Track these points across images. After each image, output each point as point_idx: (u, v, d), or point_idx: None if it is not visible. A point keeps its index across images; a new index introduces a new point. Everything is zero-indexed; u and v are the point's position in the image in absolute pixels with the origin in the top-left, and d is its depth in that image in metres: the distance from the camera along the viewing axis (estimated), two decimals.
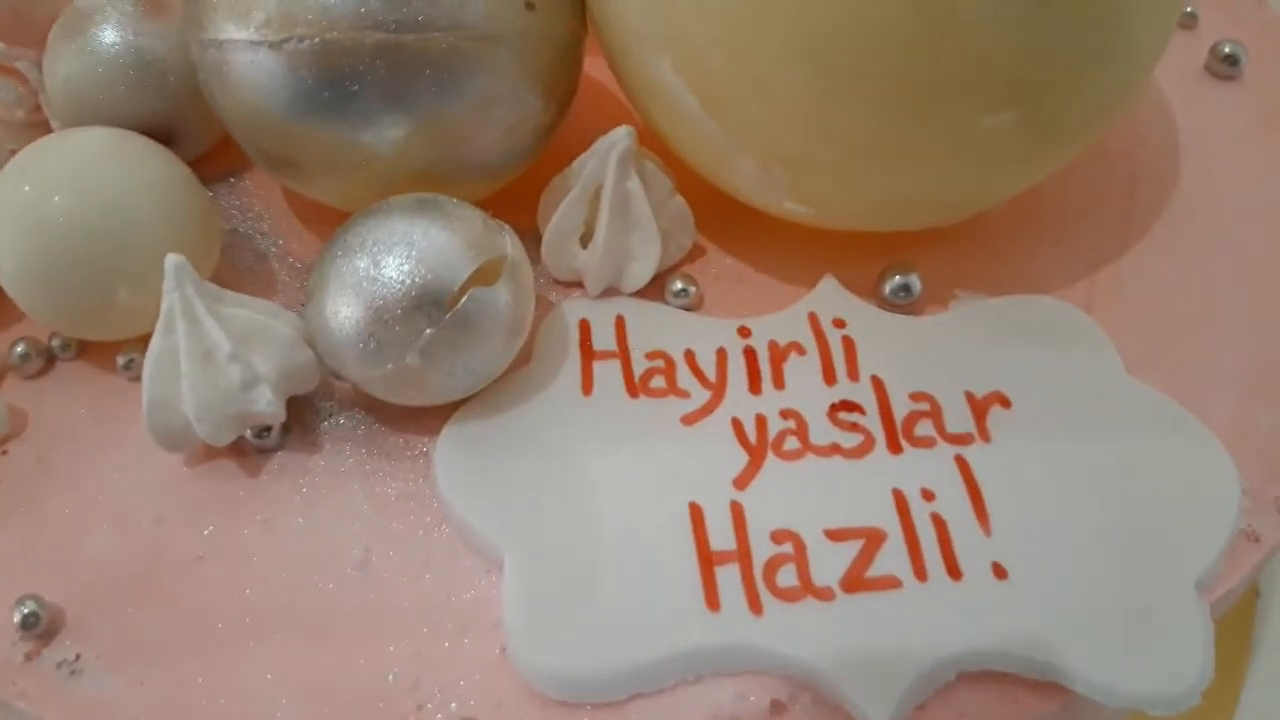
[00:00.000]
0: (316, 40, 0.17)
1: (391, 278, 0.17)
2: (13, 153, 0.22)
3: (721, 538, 0.17)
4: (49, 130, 0.23)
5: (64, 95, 0.22)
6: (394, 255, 0.17)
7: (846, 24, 0.16)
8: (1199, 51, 0.26)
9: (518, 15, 0.18)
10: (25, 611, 0.16)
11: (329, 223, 0.22)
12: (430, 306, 0.17)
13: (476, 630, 0.16)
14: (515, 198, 0.21)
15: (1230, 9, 0.28)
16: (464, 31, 0.18)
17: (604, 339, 0.20)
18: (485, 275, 0.17)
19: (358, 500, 0.18)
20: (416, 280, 0.17)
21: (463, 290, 0.17)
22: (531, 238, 0.21)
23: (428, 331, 0.17)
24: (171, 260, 0.17)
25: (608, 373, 0.19)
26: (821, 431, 0.19)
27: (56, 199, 0.18)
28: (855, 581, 0.17)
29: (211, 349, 0.17)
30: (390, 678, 0.16)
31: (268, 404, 0.17)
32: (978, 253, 0.21)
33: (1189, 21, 0.28)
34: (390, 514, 0.18)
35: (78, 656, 0.16)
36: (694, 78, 0.18)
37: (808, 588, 0.17)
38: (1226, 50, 0.26)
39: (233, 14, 0.18)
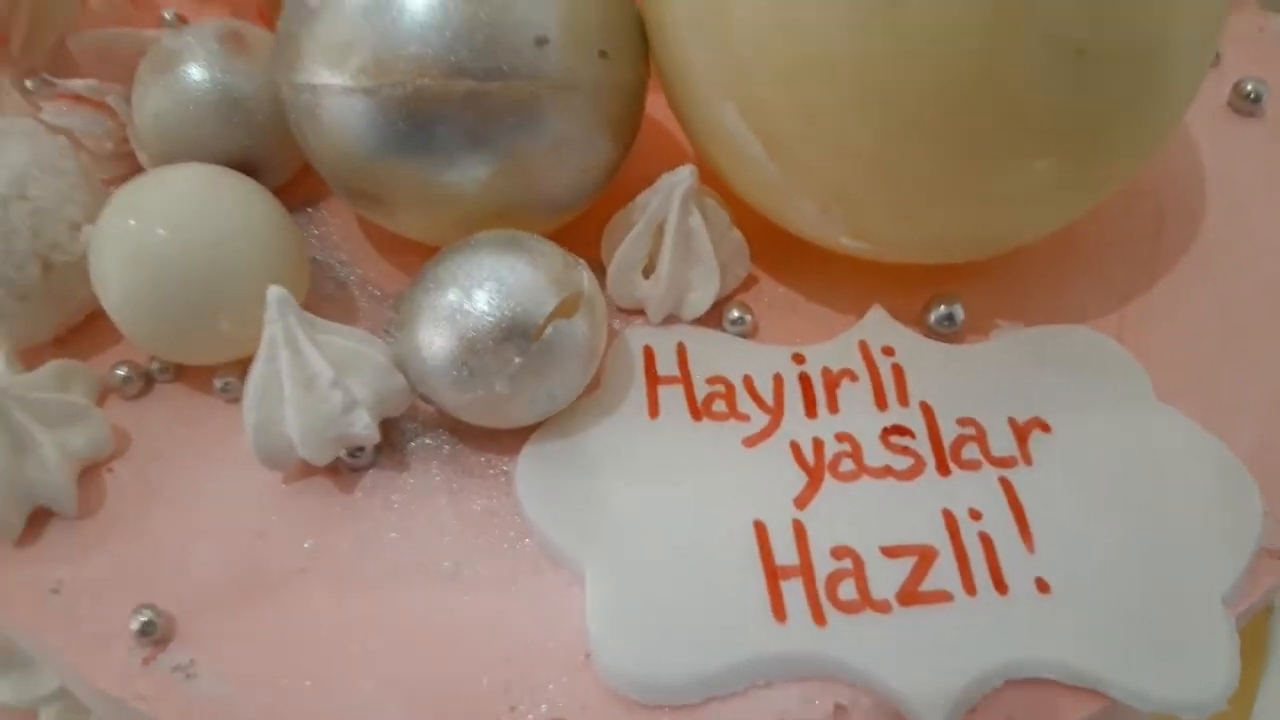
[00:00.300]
0: (409, 87, 0.19)
1: (483, 311, 0.18)
2: (104, 182, 0.23)
3: (785, 553, 0.18)
4: (135, 161, 0.25)
5: (153, 131, 0.23)
6: (484, 290, 0.18)
7: (905, 76, 0.18)
8: (1223, 89, 0.27)
9: (592, 65, 0.19)
10: (142, 619, 0.18)
11: (404, 252, 0.23)
12: (518, 338, 0.18)
13: (561, 637, 0.18)
14: (578, 230, 0.22)
15: (1252, 47, 0.29)
16: (544, 80, 0.19)
17: (667, 365, 0.21)
18: (565, 308, 0.19)
19: (445, 515, 0.19)
20: (506, 313, 0.18)
21: (546, 322, 0.18)
22: (595, 268, 0.22)
23: (516, 360, 0.18)
24: (274, 292, 0.18)
25: (672, 397, 0.21)
26: (875, 454, 0.20)
27: (160, 232, 0.19)
28: (910, 595, 0.18)
29: (313, 376, 0.18)
30: (484, 682, 0.17)
31: (365, 427, 0.18)
32: (1017, 285, 0.22)
33: (1213, 60, 0.29)
34: (476, 529, 0.19)
35: (191, 661, 0.18)
36: (758, 124, 0.19)
37: (866, 601, 0.18)
38: (1249, 88, 0.28)
39: (328, 60, 0.19)
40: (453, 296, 0.18)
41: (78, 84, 0.23)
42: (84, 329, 0.21)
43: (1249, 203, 0.25)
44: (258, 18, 0.27)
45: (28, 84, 0.23)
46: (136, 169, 0.24)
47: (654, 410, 0.20)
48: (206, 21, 0.23)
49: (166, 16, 0.25)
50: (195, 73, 0.23)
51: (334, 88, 0.19)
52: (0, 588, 0.19)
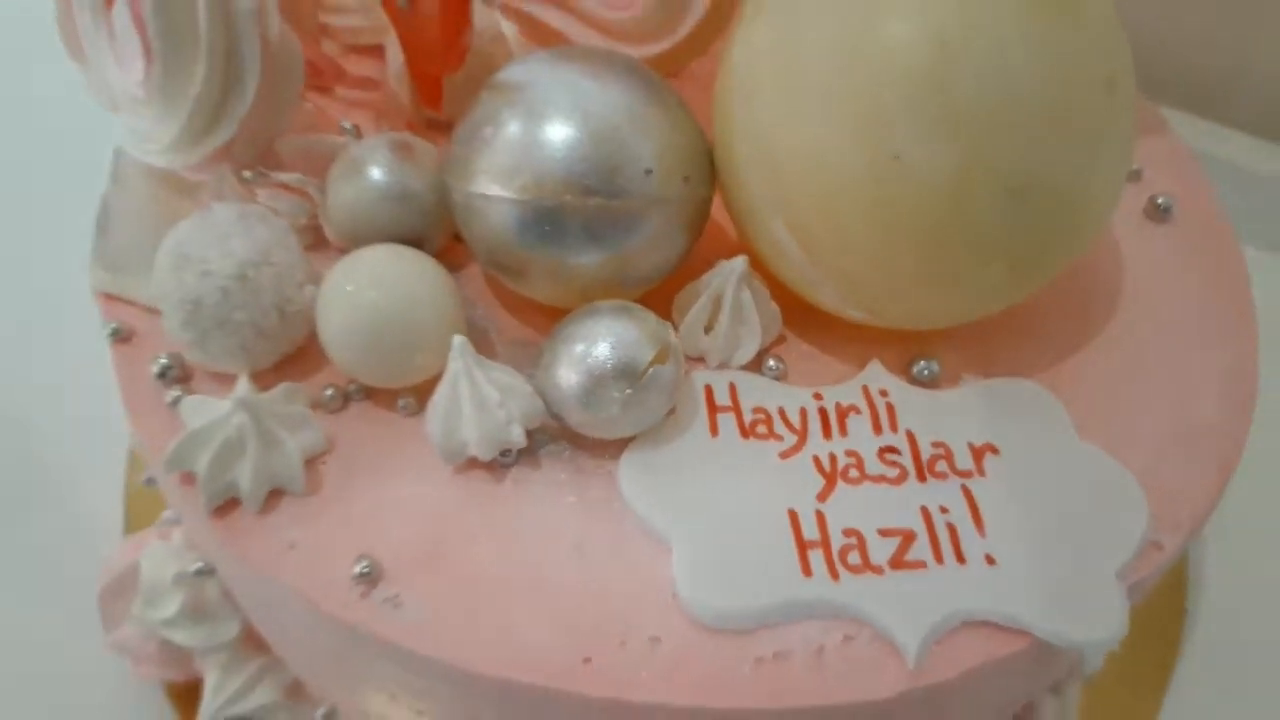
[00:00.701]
0: (556, 201, 0.26)
1: (604, 358, 0.25)
2: (305, 248, 0.31)
3: (810, 532, 0.26)
4: (322, 234, 0.32)
5: (343, 214, 0.30)
6: (604, 343, 0.26)
7: (903, 205, 0.26)
8: (1141, 199, 0.35)
9: (679, 187, 0.27)
10: (362, 566, 0.25)
11: (526, 310, 0.31)
12: (627, 377, 0.26)
13: (656, 587, 0.25)
14: (657, 296, 0.30)
15: (1167, 166, 0.37)
16: (647, 198, 0.27)
17: (723, 398, 0.29)
18: (659, 357, 0.26)
19: (570, 502, 0.27)
20: (619, 360, 0.26)
21: (647, 367, 0.26)
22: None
23: (626, 393, 0.26)
24: (458, 340, 0.26)
25: (727, 422, 0.28)
26: (873, 466, 0.28)
27: (370, 294, 0.27)
28: (898, 563, 0.26)
29: (485, 399, 0.25)
30: (602, 618, 0.25)
31: (518, 436, 0.26)
32: (978, 347, 0.30)
33: (1135, 176, 0.37)
34: (592, 513, 0.27)
35: (397, 595, 0.25)
36: (798, 234, 0.27)
37: (867, 565, 0.26)
38: (1160, 200, 0.36)
39: (497, 178, 0.27)
40: (580, 347, 0.26)
41: (286, 177, 0.30)
42: (295, 358, 0.29)
43: (1156, 289, 0.33)
44: (407, 126, 0.35)
45: (245, 174, 0.30)
46: (323, 240, 0.32)
47: (714, 431, 0.28)
48: (381, 134, 0.31)
49: (346, 126, 0.32)
50: (376, 173, 0.30)
51: (500, 198, 0.27)
52: (249, 545, 0.26)
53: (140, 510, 0.41)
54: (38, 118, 0.35)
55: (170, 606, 0.31)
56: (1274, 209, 0.51)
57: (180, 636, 0.32)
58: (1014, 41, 0.25)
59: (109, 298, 0.30)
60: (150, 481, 0.35)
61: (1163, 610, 0.41)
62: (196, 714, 0.36)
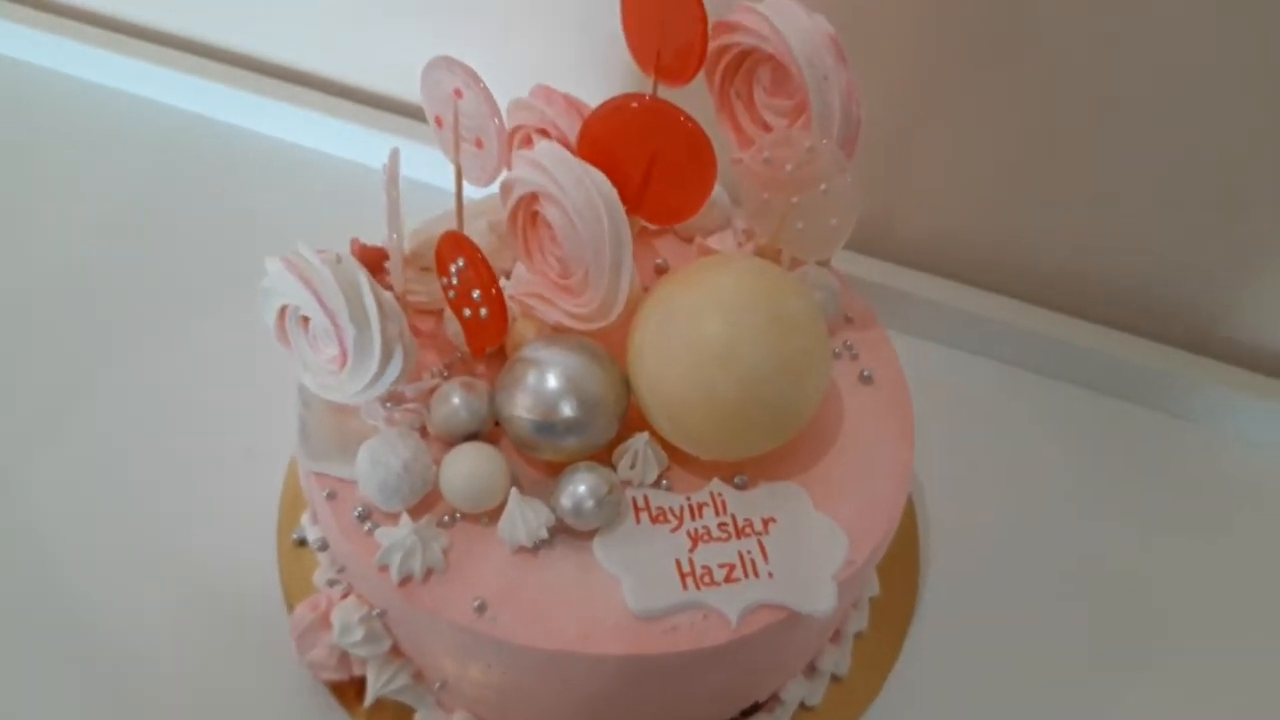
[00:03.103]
0: (552, 419, 0.54)
1: (584, 493, 0.53)
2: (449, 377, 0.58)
3: (686, 567, 0.52)
4: (427, 432, 0.59)
5: (440, 422, 0.57)
6: (583, 486, 0.53)
7: (716, 410, 0.54)
8: (856, 371, 0.64)
9: (613, 404, 0.55)
10: (477, 603, 0.52)
11: (541, 466, 0.58)
12: (598, 501, 0.53)
13: (617, 600, 0.53)
14: (603, 454, 0.58)
15: (872, 348, 0.65)
16: (598, 411, 0.54)
17: (640, 504, 0.56)
18: (611, 490, 0.54)
19: (570, 563, 0.54)
20: (591, 494, 0.53)
21: (607, 494, 0.53)
22: None
23: (598, 507, 0.53)
24: (513, 491, 0.53)
25: (644, 516, 0.55)
26: (716, 533, 0.54)
27: (465, 468, 0.54)
28: (728, 580, 0.52)
29: (527, 517, 0.53)
30: (595, 614, 0.52)
31: (544, 533, 0.53)
32: (764, 466, 0.56)
33: (854, 356, 0.66)
34: (585, 566, 0.54)
35: (495, 615, 0.52)
36: (667, 423, 0.54)
37: (713, 582, 0.52)
38: (866, 372, 0.64)
39: (522, 407, 0.54)
40: (570, 488, 0.54)
41: (410, 404, 0.57)
42: (425, 501, 0.56)
43: (863, 428, 0.62)
44: (462, 361, 0.62)
45: (387, 403, 0.57)
46: (427, 435, 0.58)
47: (638, 521, 0.55)
48: (456, 377, 0.58)
49: (433, 370, 0.59)
50: (456, 399, 0.57)
51: (524, 417, 0.53)
52: (421, 599, 0.53)
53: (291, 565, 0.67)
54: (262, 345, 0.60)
55: (357, 635, 0.57)
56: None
57: (359, 651, 0.58)
58: (764, 337, 0.53)
59: (319, 475, 0.56)
60: (301, 541, 0.63)
61: (902, 580, 0.69)
62: (351, 700, 0.62)
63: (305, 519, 0.66)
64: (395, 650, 0.56)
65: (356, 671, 0.59)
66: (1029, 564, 0.67)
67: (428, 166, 0.67)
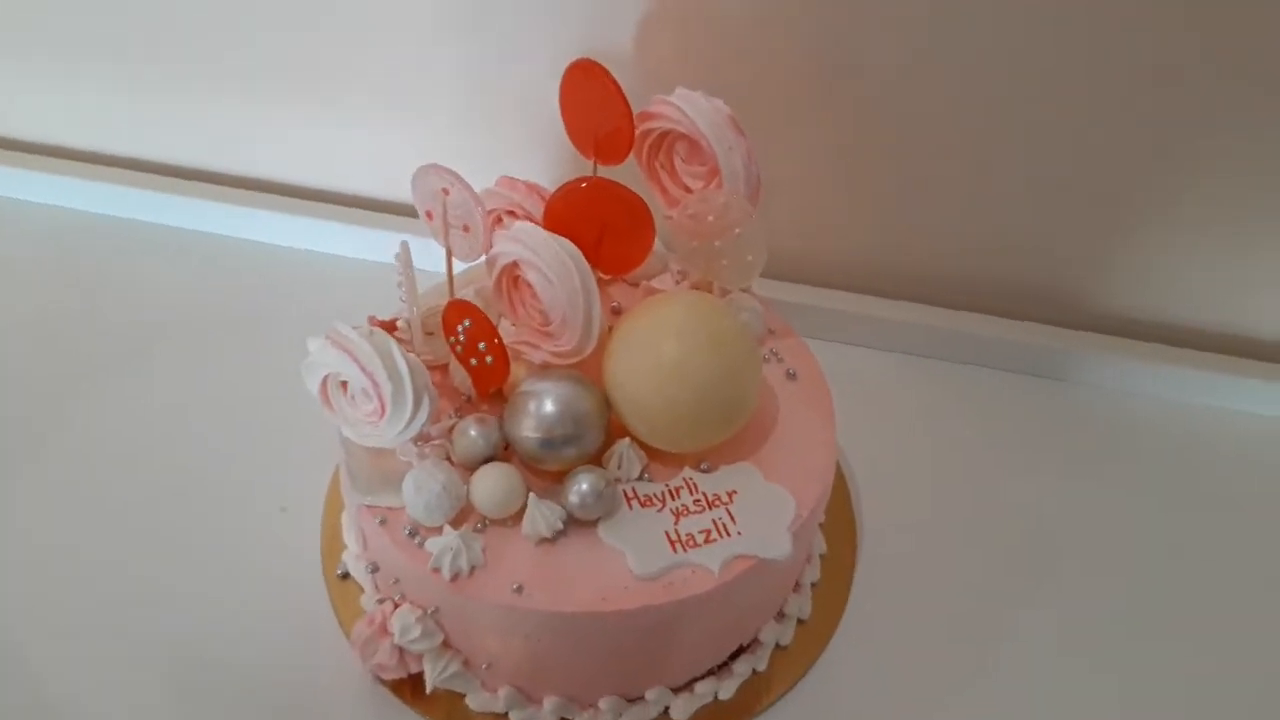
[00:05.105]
0: (550, 435, 0.68)
1: (587, 490, 0.67)
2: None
3: (673, 536, 0.67)
4: (451, 460, 0.72)
5: (462, 450, 0.71)
6: (585, 485, 0.68)
7: (674, 411, 0.69)
8: (783, 370, 0.79)
9: (599, 420, 0.70)
10: (515, 586, 0.66)
11: (545, 475, 0.72)
12: (596, 494, 0.67)
13: (622, 568, 0.67)
14: (594, 459, 0.72)
15: (793, 353, 0.82)
16: (587, 427, 0.69)
17: (630, 494, 0.71)
18: (608, 484, 0.68)
19: (581, 543, 0.68)
20: (592, 490, 0.67)
21: (605, 487, 0.68)
22: None
23: (597, 499, 0.67)
24: (531, 495, 0.67)
25: (635, 503, 0.70)
26: (692, 508, 0.69)
27: (489, 485, 0.68)
28: (706, 541, 0.67)
29: (546, 516, 0.67)
30: (611, 579, 0.66)
31: (560, 524, 0.67)
32: (723, 453, 0.70)
33: (781, 360, 0.82)
34: (593, 544, 0.68)
35: (530, 593, 0.66)
36: (641, 426, 0.69)
37: (694, 544, 0.67)
38: (791, 370, 0.80)
39: (526, 427, 0.68)
40: (575, 486, 0.68)
41: (434, 442, 0.71)
42: (461, 515, 0.70)
43: (794, 415, 0.77)
44: (468, 401, 0.76)
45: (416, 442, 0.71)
46: (452, 463, 0.72)
47: (630, 508, 0.69)
48: (468, 415, 0.72)
49: (449, 413, 0.73)
50: (473, 432, 0.71)
51: (529, 436, 0.68)
52: (468, 590, 0.66)
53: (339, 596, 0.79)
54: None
55: (415, 633, 0.70)
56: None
57: (417, 646, 0.71)
58: (709, 355, 0.67)
59: (369, 506, 0.70)
60: (344, 575, 0.76)
61: (844, 538, 0.83)
62: (407, 694, 0.75)
63: (345, 556, 0.79)
64: (446, 644, 0.69)
65: (413, 669, 0.71)
66: (947, 516, 0.78)
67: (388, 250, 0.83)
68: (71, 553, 0.73)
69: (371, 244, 0.92)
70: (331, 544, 0.76)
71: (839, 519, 0.80)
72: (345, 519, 0.80)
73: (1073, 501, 0.80)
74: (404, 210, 0.91)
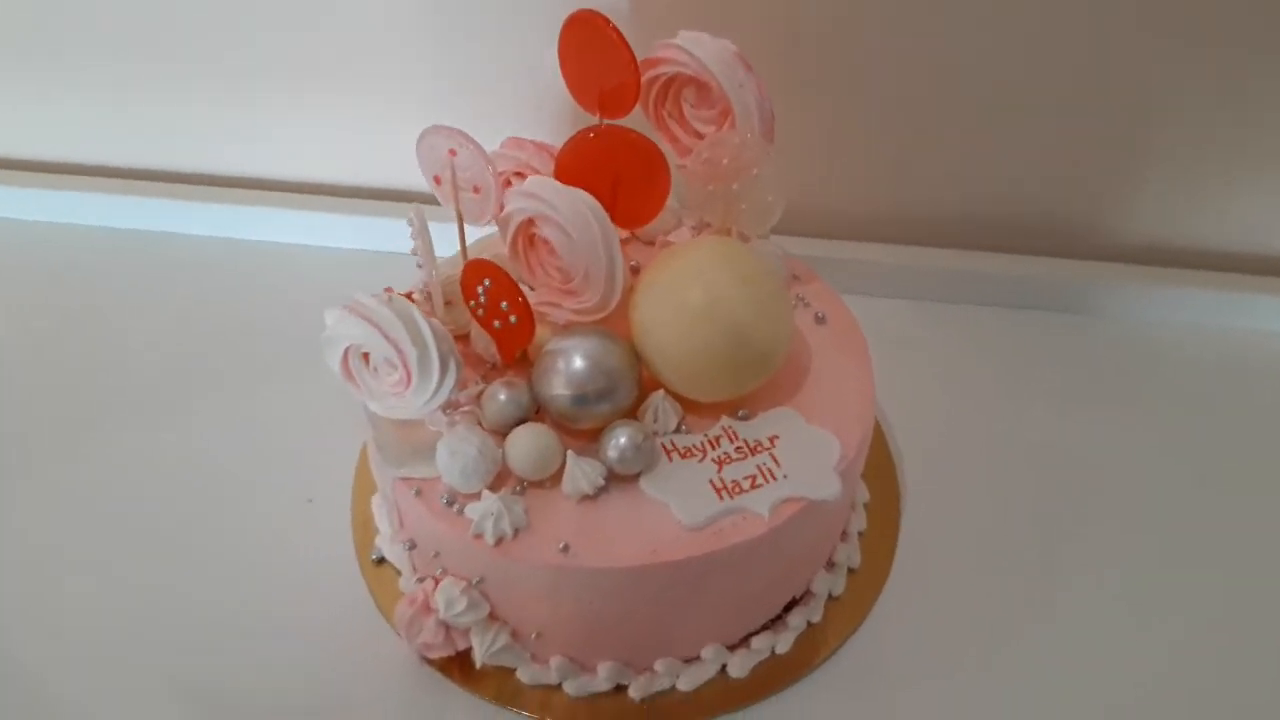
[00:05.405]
0: (582, 392, 0.66)
1: (626, 444, 0.65)
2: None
3: (718, 484, 0.65)
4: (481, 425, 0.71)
5: (492, 414, 0.69)
6: (624, 438, 0.66)
7: (704, 356, 0.67)
8: (811, 314, 0.78)
9: (631, 373, 0.68)
10: (561, 545, 0.64)
11: (579, 435, 0.71)
12: (636, 447, 0.66)
13: (669, 519, 0.65)
14: (629, 412, 0.70)
15: (822, 296, 0.80)
16: (619, 381, 0.67)
17: (669, 446, 0.69)
18: (646, 436, 0.66)
19: (623, 498, 0.66)
20: (631, 442, 0.66)
21: (644, 440, 0.66)
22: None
23: (637, 451, 0.66)
24: (569, 454, 0.65)
25: (675, 455, 0.68)
26: (734, 455, 0.68)
27: (523, 444, 0.66)
28: (752, 487, 0.65)
29: (587, 472, 0.65)
30: (659, 530, 0.64)
31: (601, 481, 0.65)
32: (759, 400, 0.70)
33: (807, 306, 0.80)
34: (636, 499, 0.66)
35: (575, 551, 0.64)
36: (672, 375, 0.67)
37: (740, 490, 0.65)
38: (820, 313, 0.79)
39: (557, 385, 0.66)
40: (614, 440, 0.66)
41: (463, 409, 0.69)
42: (498, 479, 0.68)
43: (828, 357, 0.75)
44: (493, 367, 0.74)
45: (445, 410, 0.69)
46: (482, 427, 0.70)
47: (670, 460, 0.67)
48: (496, 380, 0.70)
49: (476, 379, 0.71)
50: (502, 396, 0.69)
51: (560, 394, 0.66)
52: (513, 553, 0.64)
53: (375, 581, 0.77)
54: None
55: (460, 605, 0.68)
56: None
57: (463, 619, 0.69)
58: (738, 294, 0.67)
59: (403, 479, 0.68)
60: (379, 560, 0.74)
61: (885, 484, 0.80)
62: (455, 673, 0.72)
63: (379, 540, 0.77)
64: (492, 615, 0.67)
65: (460, 646, 0.68)
66: (983, 458, 0.78)
67: (380, 235, 0.81)
68: (98, 558, 0.73)
69: (380, 233, 0.92)
70: (363, 531, 0.74)
71: (878, 466, 0.79)
72: (376, 501, 0.78)
73: (1111, 434, 0.80)
74: (411, 196, 0.89)
